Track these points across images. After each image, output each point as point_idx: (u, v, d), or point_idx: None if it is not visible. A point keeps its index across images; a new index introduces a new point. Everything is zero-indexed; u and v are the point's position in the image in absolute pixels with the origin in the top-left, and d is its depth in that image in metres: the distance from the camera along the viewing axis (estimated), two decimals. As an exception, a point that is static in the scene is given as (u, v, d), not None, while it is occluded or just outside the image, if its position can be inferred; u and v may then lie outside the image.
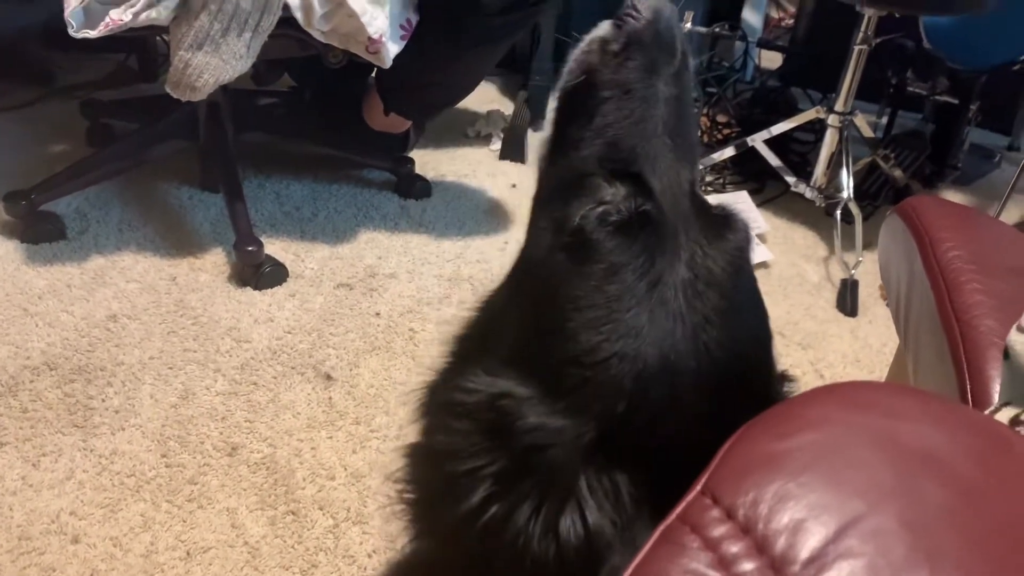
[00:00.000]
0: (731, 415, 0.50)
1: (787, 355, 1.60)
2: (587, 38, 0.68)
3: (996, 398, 0.61)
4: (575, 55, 0.69)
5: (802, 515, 0.35)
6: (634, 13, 0.64)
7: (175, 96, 1.46)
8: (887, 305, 1.07)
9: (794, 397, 0.45)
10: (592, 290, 0.57)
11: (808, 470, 0.36)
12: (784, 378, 0.68)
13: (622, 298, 0.56)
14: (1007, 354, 0.51)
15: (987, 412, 0.53)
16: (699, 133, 2.28)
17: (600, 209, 0.59)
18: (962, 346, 0.76)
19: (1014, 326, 0.51)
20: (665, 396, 0.55)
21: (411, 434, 0.70)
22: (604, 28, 0.67)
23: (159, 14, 1.38)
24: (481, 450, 0.56)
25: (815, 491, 0.36)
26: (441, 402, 0.64)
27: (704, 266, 0.58)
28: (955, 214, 0.97)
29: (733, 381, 0.57)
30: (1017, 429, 0.48)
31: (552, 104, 0.71)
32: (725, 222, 0.61)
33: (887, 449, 0.38)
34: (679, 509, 0.37)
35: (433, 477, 0.62)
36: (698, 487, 0.38)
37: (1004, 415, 0.50)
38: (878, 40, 1.90)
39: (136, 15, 1.37)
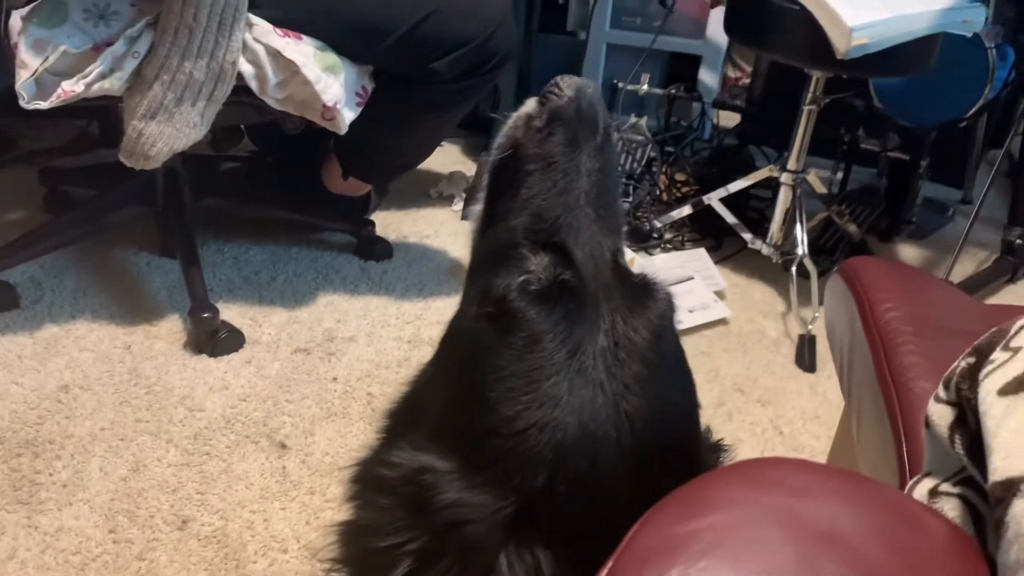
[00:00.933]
0: (656, 486, 0.50)
1: (746, 412, 1.60)
2: (514, 115, 0.70)
3: (927, 463, 0.62)
4: (503, 131, 0.71)
5: (700, 600, 0.35)
6: (556, 91, 0.66)
7: (129, 165, 1.46)
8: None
9: (701, 476, 0.45)
10: (513, 359, 0.57)
11: (709, 553, 0.36)
12: (719, 448, 0.68)
13: (542, 367, 0.56)
14: (927, 423, 0.52)
15: (912, 481, 0.53)
16: (658, 192, 2.31)
17: (521, 278, 0.60)
18: (898, 408, 0.76)
19: (932, 396, 0.52)
20: (586, 467, 0.54)
21: (344, 511, 0.69)
22: (530, 105, 0.69)
23: (112, 84, 1.38)
24: (403, 526, 0.55)
25: (715, 575, 0.36)
26: (367, 477, 0.64)
27: (624, 335, 0.58)
28: (894, 274, 0.98)
29: (657, 450, 0.57)
30: (934, 501, 0.48)
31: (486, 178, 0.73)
32: (646, 291, 0.62)
33: (790, 529, 0.37)
34: (582, 597, 0.36)
35: (358, 554, 0.61)
36: (603, 573, 0.38)
37: (924, 486, 0.50)
38: (827, 100, 1.94)
39: (89, 86, 1.37)
